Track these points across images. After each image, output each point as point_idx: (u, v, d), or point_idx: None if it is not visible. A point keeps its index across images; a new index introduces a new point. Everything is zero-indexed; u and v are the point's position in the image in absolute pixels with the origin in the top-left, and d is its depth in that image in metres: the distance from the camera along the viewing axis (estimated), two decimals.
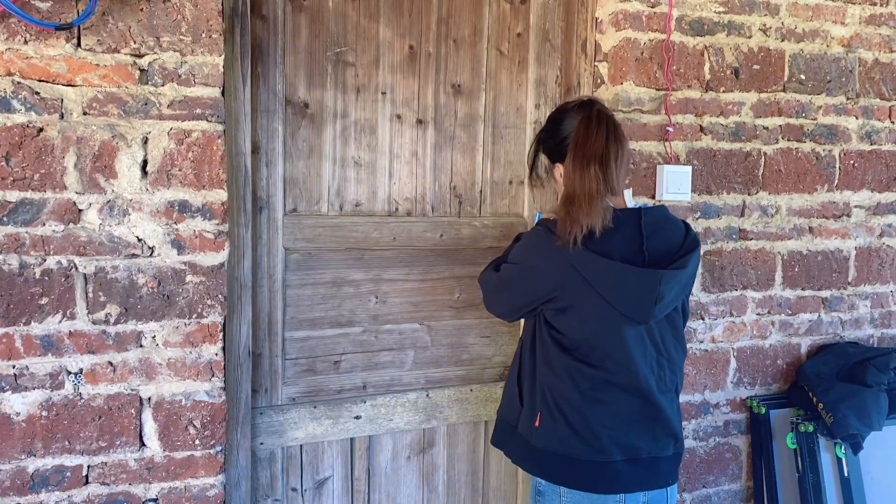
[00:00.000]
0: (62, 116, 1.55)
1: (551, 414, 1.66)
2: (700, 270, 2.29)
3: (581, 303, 1.61)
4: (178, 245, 1.66)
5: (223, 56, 1.67)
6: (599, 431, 1.62)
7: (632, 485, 1.64)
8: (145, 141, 1.62)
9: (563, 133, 1.69)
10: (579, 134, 1.63)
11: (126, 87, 1.59)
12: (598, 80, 2.23)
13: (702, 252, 2.27)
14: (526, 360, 1.75)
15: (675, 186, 2.18)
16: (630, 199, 1.69)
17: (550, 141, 1.74)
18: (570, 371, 1.64)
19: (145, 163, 1.62)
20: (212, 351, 1.71)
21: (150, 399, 1.67)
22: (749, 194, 2.33)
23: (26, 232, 1.54)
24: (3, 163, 1.51)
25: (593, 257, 1.57)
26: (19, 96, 1.51)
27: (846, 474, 2.27)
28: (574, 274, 1.59)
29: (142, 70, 1.60)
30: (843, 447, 2.26)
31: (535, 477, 1.74)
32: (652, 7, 2.14)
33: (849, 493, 2.26)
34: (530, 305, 1.70)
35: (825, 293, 2.48)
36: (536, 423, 1.69)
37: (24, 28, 1.50)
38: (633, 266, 1.58)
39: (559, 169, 1.70)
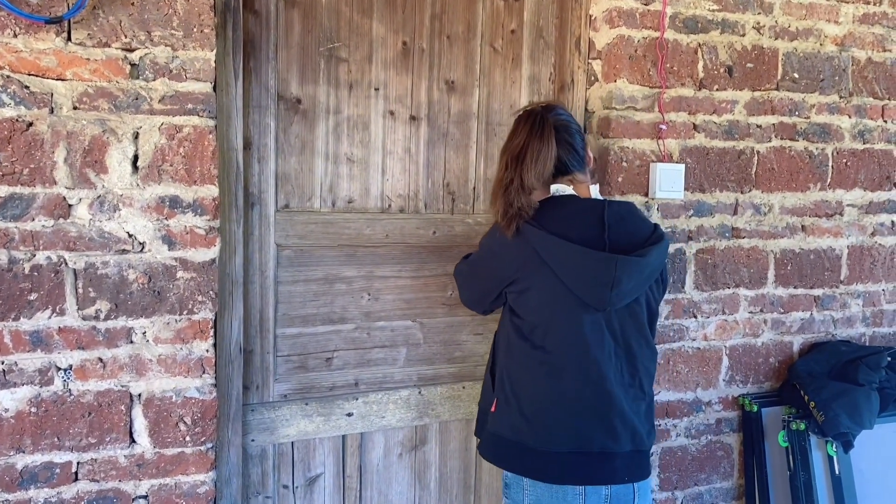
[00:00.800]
0: (52, 111, 1.54)
1: (507, 400, 1.70)
2: (692, 268, 2.29)
3: (539, 285, 1.65)
4: (169, 241, 1.65)
5: (215, 51, 1.66)
6: (550, 420, 1.64)
7: (580, 478, 1.63)
8: (136, 136, 1.61)
9: None
10: (509, 133, 1.75)
11: (117, 82, 1.58)
12: (592, 78, 2.23)
13: (694, 251, 2.28)
14: (495, 349, 1.81)
15: (668, 184, 2.18)
16: (596, 193, 1.75)
17: None
18: (527, 357, 1.67)
19: (136, 158, 1.61)
20: (203, 347, 1.70)
21: (140, 395, 1.66)
22: (742, 192, 2.34)
23: (15, 227, 1.53)
24: None
25: (552, 239, 1.62)
26: (9, 90, 1.50)
27: (837, 472, 2.28)
28: (534, 255, 1.64)
29: (133, 64, 1.59)
30: (834, 445, 2.26)
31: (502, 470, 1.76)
32: (646, 4, 2.14)
33: (840, 491, 2.27)
34: (496, 290, 1.75)
35: (817, 292, 2.48)
36: (493, 409, 1.74)
37: (13, 21, 1.49)
38: (590, 249, 1.61)
39: None
